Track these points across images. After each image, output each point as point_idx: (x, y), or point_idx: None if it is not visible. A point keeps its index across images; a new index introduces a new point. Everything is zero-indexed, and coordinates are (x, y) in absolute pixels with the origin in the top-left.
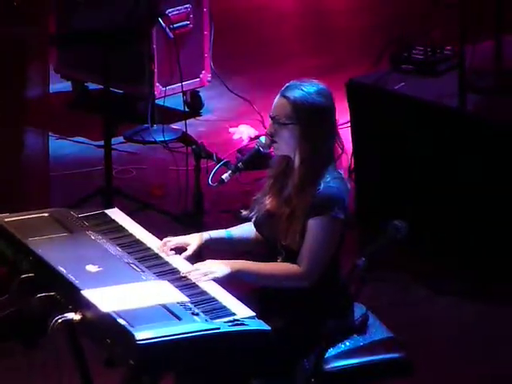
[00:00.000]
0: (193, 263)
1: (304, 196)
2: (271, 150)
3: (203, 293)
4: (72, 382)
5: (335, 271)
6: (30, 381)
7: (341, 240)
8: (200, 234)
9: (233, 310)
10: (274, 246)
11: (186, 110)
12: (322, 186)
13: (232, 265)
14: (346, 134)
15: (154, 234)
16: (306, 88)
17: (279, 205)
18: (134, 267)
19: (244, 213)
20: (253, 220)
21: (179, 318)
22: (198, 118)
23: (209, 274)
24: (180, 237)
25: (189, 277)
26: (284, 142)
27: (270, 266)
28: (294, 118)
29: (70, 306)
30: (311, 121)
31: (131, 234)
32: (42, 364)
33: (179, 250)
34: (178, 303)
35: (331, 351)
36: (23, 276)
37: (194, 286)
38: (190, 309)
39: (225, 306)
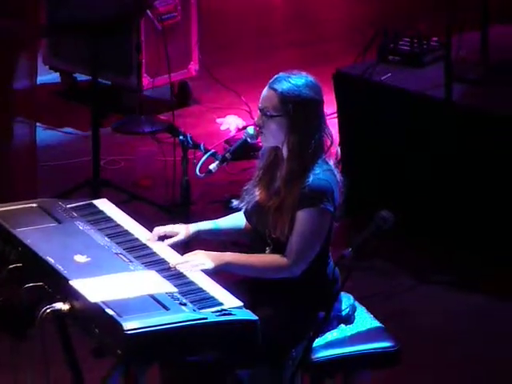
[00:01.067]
0: (181, 254)
1: (292, 188)
2: (259, 140)
3: (191, 283)
4: (60, 373)
5: (324, 262)
6: (17, 371)
7: (329, 231)
8: (188, 225)
9: (220, 300)
10: (263, 236)
11: (174, 100)
12: (312, 178)
13: (221, 257)
14: (332, 124)
15: (141, 225)
16: (294, 80)
17: (269, 196)
18: (122, 257)
19: (234, 203)
20: (243, 210)
21: (167, 308)
22: (185, 108)
23: (198, 265)
24: (169, 225)
25: (178, 268)
26: (271, 134)
27: (258, 257)
28: (281, 110)
29: (59, 296)
30: (298, 113)
31: (119, 225)
32: (30, 355)
33: (167, 238)
34: (165, 293)
35: (319, 341)
36: (11, 266)
37: (181, 276)
38: (178, 299)
39: (212, 296)
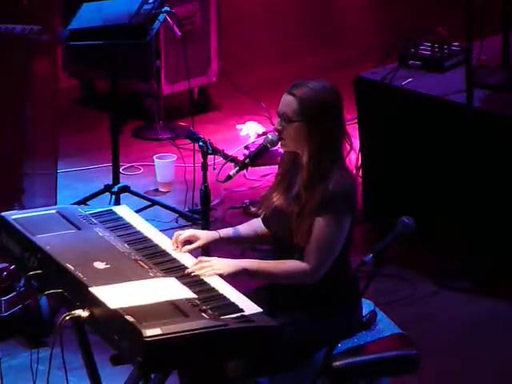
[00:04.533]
0: None
1: (313, 193)
2: (278, 146)
3: (211, 289)
4: (78, 380)
5: (344, 268)
6: (36, 378)
7: (350, 237)
8: (210, 232)
9: (240, 307)
10: (282, 242)
11: (193, 106)
12: (331, 183)
13: (238, 263)
14: (353, 130)
15: (161, 231)
16: (313, 85)
17: (288, 202)
18: (142, 264)
19: (252, 209)
20: (261, 217)
21: (187, 315)
22: (205, 114)
23: (213, 271)
24: (190, 230)
25: (193, 271)
26: (291, 139)
27: (276, 263)
28: (300, 115)
29: (78, 303)
30: (318, 118)
31: (139, 231)
32: (49, 361)
33: (189, 243)
34: (185, 300)
35: (340, 347)
36: (31, 273)
37: (201, 282)
38: (198, 305)
39: (232, 303)
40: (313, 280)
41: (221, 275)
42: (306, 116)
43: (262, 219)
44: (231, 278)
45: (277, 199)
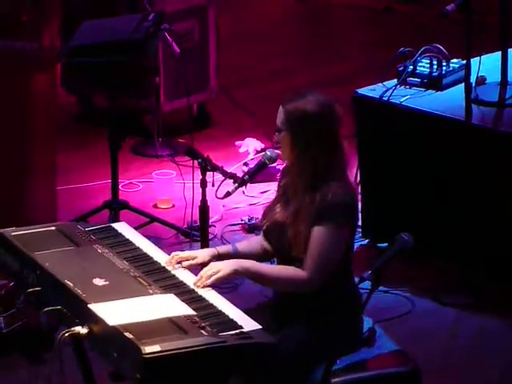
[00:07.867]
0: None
1: (301, 203)
2: (277, 163)
3: (210, 306)
4: None
5: (346, 283)
6: None
7: (350, 250)
8: (208, 249)
9: (239, 323)
10: (282, 255)
11: (193, 123)
12: (330, 194)
13: (239, 263)
14: (351, 146)
15: (160, 248)
16: (303, 97)
17: (286, 214)
18: (141, 281)
19: (255, 222)
20: (263, 228)
21: (186, 332)
22: (204, 131)
23: (215, 273)
24: (188, 251)
25: (197, 284)
26: (282, 149)
27: (276, 268)
28: (286, 125)
29: (77, 320)
30: (298, 128)
31: (138, 248)
32: (48, 379)
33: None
34: (184, 317)
35: (339, 364)
36: (30, 290)
37: (200, 299)
38: (197, 322)
39: (231, 319)
40: (310, 288)
41: (222, 276)
42: (288, 126)
43: (264, 231)
44: (232, 276)
45: (278, 212)
